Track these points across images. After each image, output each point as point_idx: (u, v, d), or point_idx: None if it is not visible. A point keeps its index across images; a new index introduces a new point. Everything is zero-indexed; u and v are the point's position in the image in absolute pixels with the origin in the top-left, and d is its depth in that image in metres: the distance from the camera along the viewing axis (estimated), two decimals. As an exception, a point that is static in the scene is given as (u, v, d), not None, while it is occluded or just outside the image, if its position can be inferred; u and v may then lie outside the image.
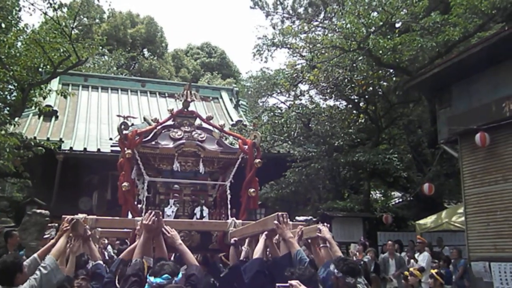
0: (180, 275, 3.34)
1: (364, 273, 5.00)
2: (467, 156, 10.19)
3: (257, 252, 4.02)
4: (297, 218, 6.53)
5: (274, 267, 3.86)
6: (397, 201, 19.09)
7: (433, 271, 8.19)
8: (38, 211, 9.14)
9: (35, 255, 4.31)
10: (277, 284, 3.27)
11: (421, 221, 13.07)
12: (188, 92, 5.73)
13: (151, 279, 3.26)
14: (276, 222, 3.80)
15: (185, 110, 5.68)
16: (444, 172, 14.40)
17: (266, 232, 4.08)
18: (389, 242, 11.55)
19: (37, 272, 3.84)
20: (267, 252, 4.32)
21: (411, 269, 8.91)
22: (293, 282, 3.12)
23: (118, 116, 6.10)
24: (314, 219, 6.46)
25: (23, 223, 8.86)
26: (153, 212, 4.03)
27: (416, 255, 11.14)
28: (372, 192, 18.75)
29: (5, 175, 10.82)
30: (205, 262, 5.78)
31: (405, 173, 14.17)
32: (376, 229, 15.26)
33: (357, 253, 11.30)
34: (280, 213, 3.89)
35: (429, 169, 13.97)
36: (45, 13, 10.45)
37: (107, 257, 7.27)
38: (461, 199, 10.84)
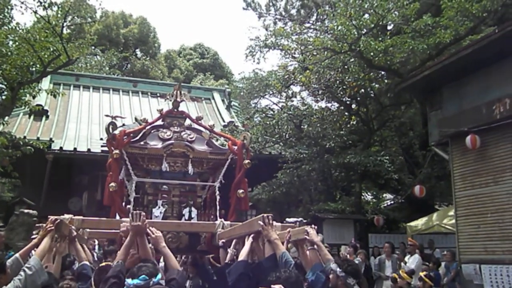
0: (159, 276, 3.29)
1: (360, 274, 5.00)
2: (458, 158, 10.20)
3: (242, 254, 3.98)
4: (287, 219, 6.49)
5: (258, 269, 3.82)
6: (388, 203, 19.13)
7: (422, 274, 8.19)
8: (26, 211, 9.07)
9: (17, 255, 4.23)
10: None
11: (412, 223, 13.09)
12: (178, 92, 5.70)
13: (129, 281, 3.21)
14: (261, 223, 3.77)
15: (175, 110, 5.64)
16: (435, 174, 14.43)
17: (253, 234, 4.04)
18: (386, 244, 11.52)
19: (22, 272, 3.76)
20: (254, 256, 4.28)
21: (400, 271, 8.89)
22: (276, 286, 3.08)
23: (107, 116, 6.04)
24: (304, 221, 6.41)
25: (10, 223, 8.79)
26: (138, 213, 3.99)
27: (406, 258, 11.12)
28: (363, 194, 18.76)
29: (-9, 175, 10.73)
30: (194, 264, 5.75)
31: (396, 175, 14.20)
32: (368, 231, 15.26)
33: (348, 255, 11.28)
34: (265, 215, 3.85)
35: (420, 171, 14.00)
36: (35, 12, 10.35)
37: (95, 258, 7.19)
38: (452, 201, 10.84)
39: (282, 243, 3.93)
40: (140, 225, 3.91)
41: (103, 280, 3.57)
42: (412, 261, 10.59)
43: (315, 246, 4.09)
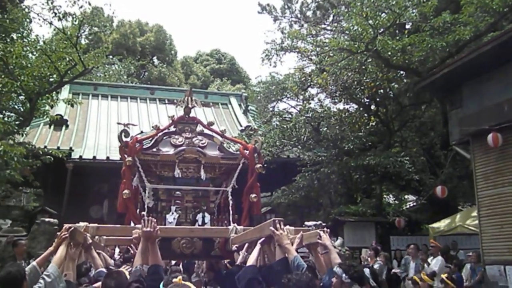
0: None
1: (373, 276, 4.92)
2: (480, 158, 9.97)
3: (251, 260, 3.93)
4: (306, 223, 6.42)
5: (269, 272, 3.75)
6: (410, 205, 18.84)
7: (444, 276, 8.03)
8: (47, 219, 9.18)
9: (34, 263, 4.28)
10: None
11: (435, 225, 12.86)
12: (189, 98, 5.67)
13: None
14: (272, 228, 3.69)
15: (186, 116, 5.61)
16: (457, 174, 14.14)
17: (261, 240, 3.97)
18: (411, 245, 11.42)
19: (41, 280, 3.82)
20: (265, 258, 4.23)
21: (421, 274, 8.73)
22: None
23: (118, 123, 6.06)
24: (323, 224, 6.34)
25: (32, 232, 8.91)
26: (151, 219, 4.04)
27: (429, 259, 10.91)
28: (384, 196, 18.53)
29: (15, 185, 10.87)
30: (211, 268, 5.73)
31: (418, 176, 13.92)
32: (389, 233, 15.05)
33: (369, 258, 11.12)
34: (276, 219, 3.78)
35: (442, 172, 13.73)
36: (51, 23, 10.51)
37: (112, 265, 7.20)
38: (475, 201, 10.60)
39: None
40: (151, 231, 3.95)
41: (125, 286, 3.59)
42: (435, 263, 10.40)
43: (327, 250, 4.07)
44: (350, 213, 15.13)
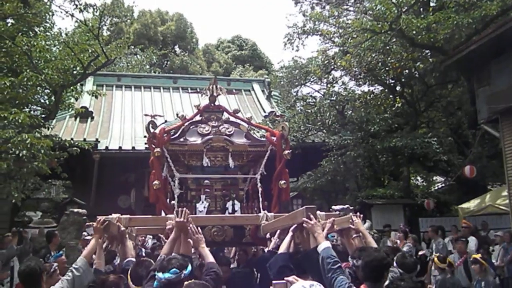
0: (189, 268, 3.29)
1: (401, 259, 4.90)
2: (509, 135, 9.73)
3: (282, 247, 3.92)
4: (333, 207, 6.39)
5: (306, 260, 3.73)
6: (439, 186, 18.59)
7: (477, 256, 7.93)
8: (76, 210, 9.28)
9: (84, 258, 4.23)
10: (273, 282, 3.23)
11: (464, 205, 12.66)
12: (214, 86, 5.66)
13: (159, 275, 3.24)
14: (304, 219, 3.64)
15: (212, 104, 5.61)
16: (486, 154, 13.87)
17: (293, 227, 3.95)
18: (429, 228, 11.52)
19: (69, 273, 3.88)
20: (300, 245, 4.22)
21: (434, 256, 8.69)
22: (289, 278, 3.05)
23: (146, 115, 6.09)
24: (350, 208, 6.30)
25: (61, 222, 9.02)
26: (184, 210, 4.07)
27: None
28: (412, 177, 18.31)
29: (44, 177, 11.05)
30: (245, 252, 5.78)
31: (446, 157, 13.71)
32: (418, 215, 14.90)
33: (398, 241, 11.04)
34: (309, 207, 3.73)
35: (470, 151, 13.47)
36: (72, 15, 10.58)
37: (143, 254, 7.32)
38: (505, 180, 10.37)
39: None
40: (184, 221, 3.99)
41: (148, 273, 3.63)
42: (470, 243, 10.26)
43: (360, 234, 4.08)
44: (378, 196, 15.00)
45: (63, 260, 6.57)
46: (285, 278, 3.05)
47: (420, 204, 14.55)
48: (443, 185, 18.14)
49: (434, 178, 19.02)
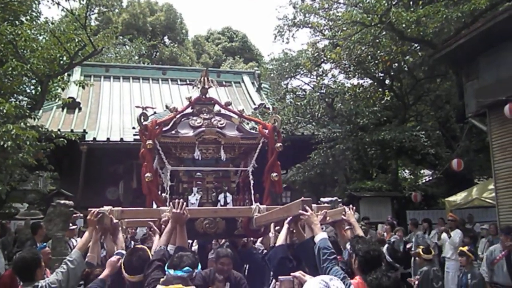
0: (199, 266, 3.28)
1: (392, 252, 4.95)
2: (496, 129, 9.83)
3: (280, 239, 3.95)
4: (321, 199, 6.43)
5: (301, 250, 3.76)
6: (426, 179, 18.78)
7: (464, 248, 8.04)
8: (62, 201, 9.21)
9: (78, 250, 4.17)
10: (279, 277, 3.24)
11: (451, 198, 12.82)
12: (206, 78, 5.63)
13: (171, 271, 3.20)
14: (302, 211, 3.65)
15: (203, 97, 5.58)
16: (474, 147, 14.00)
17: (288, 220, 3.97)
18: (409, 221, 11.99)
19: (64, 265, 3.86)
20: (294, 237, 4.25)
21: (418, 249, 8.81)
22: (296, 273, 3.05)
23: (137, 107, 6.05)
24: (339, 200, 6.36)
25: (48, 214, 8.96)
26: (181, 201, 4.12)
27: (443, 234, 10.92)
28: (400, 170, 18.47)
29: (31, 169, 10.93)
30: (233, 247, 5.81)
31: (433, 150, 13.84)
32: (406, 208, 15.05)
33: (385, 233, 11.14)
34: (304, 199, 3.75)
35: (458, 145, 13.61)
36: (58, 3, 10.44)
37: (131, 245, 7.29)
38: (491, 174, 10.51)
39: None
40: (181, 213, 4.03)
41: (148, 264, 3.65)
42: (454, 236, 10.40)
43: (352, 226, 4.15)
44: (366, 189, 15.12)
45: (47, 251, 6.55)
46: (292, 274, 3.04)
47: (408, 197, 14.71)
48: (430, 178, 18.34)
49: (422, 171, 19.23)
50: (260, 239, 6.17)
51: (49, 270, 5.37)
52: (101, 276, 3.79)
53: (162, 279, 2.97)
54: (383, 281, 3.00)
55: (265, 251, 5.63)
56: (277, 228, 4.64)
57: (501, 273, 7.44)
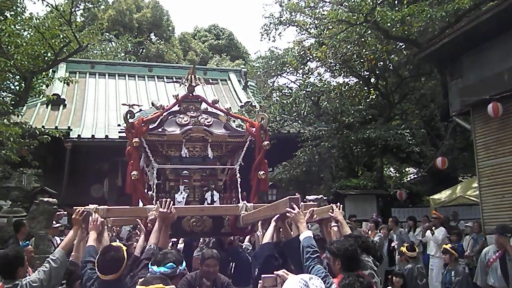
0: (184, 264, 3.28)
1: (373, 251, 5.00)
2: (480, 128, 9.96)
3: (266, 237, 3.96)
4: (307, 197, 6.47)
5: (287, 248, 3.78)
6: (411, 177, 18.94)
7: (447, 246, 8.13)
8: (46, 199, 9.15)
9: (61, 249, 4.09)
10: (262, 276, 3.22)
11: (436, 196, 12.94)
12: (193, 76, 5.62)
13: (154, 268, 3.20)
14: (289, 209, 3.67)
15: (190, 94, 5.58)
16: (458, 146, 14.15)
17: (275, 218, 3.99)
18: (390, 219, 12.15)
19: (46, 264, 3.82)
20: (281, 234, 4.26)
21: (402, 247, 8.93)
22: (280, 272, 3.03)
23: (124, 104, 6.01)
24: (324, 198, 6.39)
25: (31, 212, 8.90)
26: (168, 200, 4.11)
27: (428, 232, 11.04)
28: (386, 168, 18.61)
29: (14, 166, 10.80)
30: (219, 245, 5.81)
31: (418, 148, 13.97)
32: (390, 205, 15.16)
33: (369, 231, 11.20)
34: (291, 197, 3.77)
35: (442, 143, 13.76)
36: (43, -1, 10.31)
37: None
38: (475, 172, 10.65)
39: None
40: (168, 212, 4.01)
41: (137, 262, 3.64)
42: (437, 233, 10.52)
43: (339, 224, 4.14)
44: (351, 187, 15.21)
45: (29, 249, 6.49)
46: (275, 272, 3.05)
47: (393, 194, 14.81)
48: (415, 176, 18.49)
49: (407, 169, 19.40)
50: (247, 237, 6.19)
51: (31, 268, 5.31)
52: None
53: (140, 280, 2.89)
54: (356, 286, 2.96)
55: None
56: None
57: (496, 276, 7.30)
